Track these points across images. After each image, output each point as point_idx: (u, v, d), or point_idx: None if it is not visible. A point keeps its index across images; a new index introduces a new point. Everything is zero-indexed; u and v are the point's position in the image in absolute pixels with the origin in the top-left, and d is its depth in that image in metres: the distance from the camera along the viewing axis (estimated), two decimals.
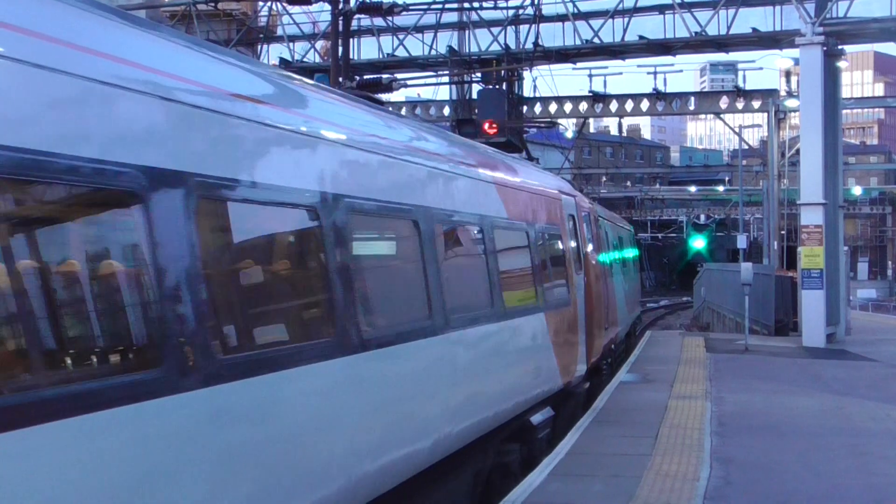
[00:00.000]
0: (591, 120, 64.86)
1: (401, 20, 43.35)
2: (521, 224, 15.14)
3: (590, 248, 20.98)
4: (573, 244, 18.73)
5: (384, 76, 33.71)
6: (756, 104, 50.16)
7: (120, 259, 6.09)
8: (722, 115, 54.72)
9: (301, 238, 8.50)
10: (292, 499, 7.52)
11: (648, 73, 51.74)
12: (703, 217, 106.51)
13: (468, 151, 14.06)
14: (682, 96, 52.58)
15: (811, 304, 31.68)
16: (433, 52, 45.24)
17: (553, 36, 43.47)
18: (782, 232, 56.28)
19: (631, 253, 39.57)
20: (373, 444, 8.96)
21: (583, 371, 18.58)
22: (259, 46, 48.57)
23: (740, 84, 53.32)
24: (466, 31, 45.58)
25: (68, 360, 5.51)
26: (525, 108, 48.24)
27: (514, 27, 44.49)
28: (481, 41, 45.12)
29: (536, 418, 15.24)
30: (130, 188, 5.91)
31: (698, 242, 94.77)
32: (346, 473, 8.40)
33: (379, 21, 42.35)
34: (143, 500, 5.77)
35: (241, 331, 7.25)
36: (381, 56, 45.79)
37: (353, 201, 8.88)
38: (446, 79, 42.93)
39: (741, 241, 50.97)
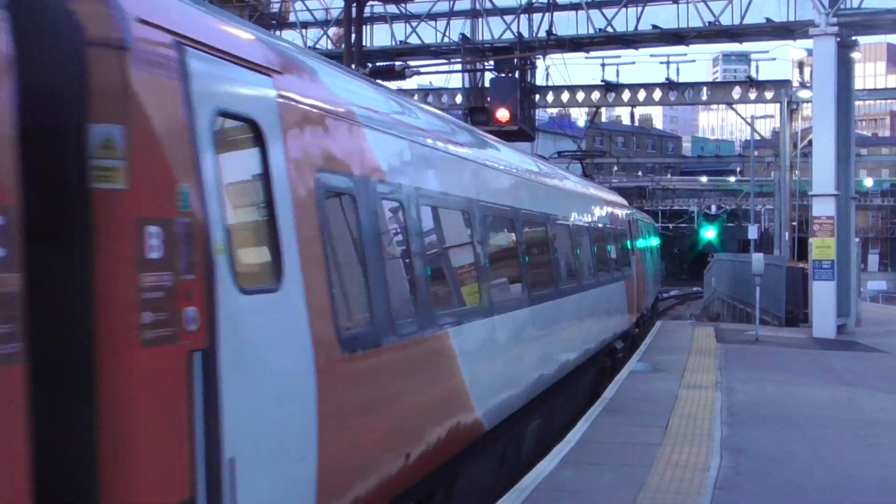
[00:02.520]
0: (603, 109, 64.81)
1: (414, 7, 43.41)
2: (617, 228, 26.60)
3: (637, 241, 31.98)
4: (633, 239, 30.31)
5: (397, 63, 33.67)
6: (769, 95, 50.07)
7: None
8: (734, 106, 54.65)
9: (538, 237, 16.11)
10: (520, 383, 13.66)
11: (661, 62, 51.70)
12: (714, 207, 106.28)
13: (598, 190, 26.96)
14: (695, 86, 52.46)
15: (822, 295, 31.65)
16: (446, 40, 45.22)
17: (566, 24, 43.43)
18: (794, 223, 56.26)
19: (655, 242, 47.55)
20: (551, 355, 16.14)
21: (634, 320, 29.05)
22: (272, 32, 48.60)
23: (753, 74, 53.24)
24: (479, 19, 45.56)
25: None
26: (538, 96, 48.17)
27: (527, 15, 44.46)
28: (494, 29, 45.11)
29: (618, 344, 25.28)
30: None
31: (709, 233, 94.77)
32: (551, 365, 15.96)
33: (392, 8, 42.40)
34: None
35: (533, 283, 14.89)
36: (393, 43, 45.78)
37: (558, 219, 17.92)
38: (459, 66, 42.85)
39: (752, 232, 50.87)
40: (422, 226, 10.09)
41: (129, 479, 5.23)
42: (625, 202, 32.47)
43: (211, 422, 5.72)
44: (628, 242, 28.77)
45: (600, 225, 23.20)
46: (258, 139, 6.66)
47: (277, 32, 48.63)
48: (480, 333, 11.68)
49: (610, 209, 26.00)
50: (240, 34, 6.99)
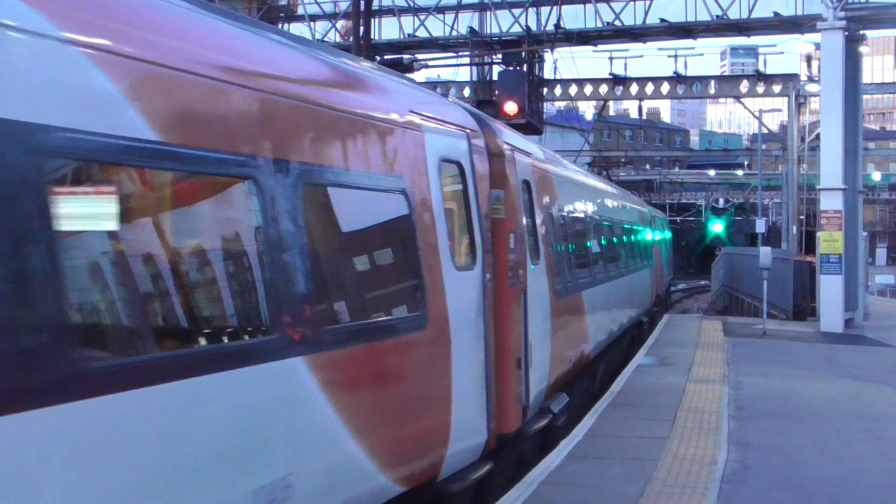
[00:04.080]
0: (610, 103, 64.77)
1: (422, 0, 43.41)
2: (644, 226, 34.46)
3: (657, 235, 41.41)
4: (653, 234, 38.64)
5: (405, 56, 33.67)
6: (776, 88, 50.09)
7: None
8: (742, 100, 54.61)
9: (615, 236, 25.01)
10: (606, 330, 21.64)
11: (669, 56, 51.66)
12: (721, 201, 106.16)
13: (632, 198, 35.85)
14: (703, 80, 52.52)
15: (829, 288, 31.65)
16: (454, 33, 45.25)
17: (574, 18, 43.49)
18: (801, 217, 56.22)
19: (668, 235, 55.32)
20: (617, 317, 23.56)
21: (653, 300, 36.09)
22: (280, 25, 48.61)
23: (761, 68, 53.25)
24: (487, 12, 45.58)
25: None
26: (546, 90, 48.17)
27: (535, 9, 44.44)
28: (502, 22, 45.11)
29: (644, 319, 31.84)
30: None
31: (717, 226, 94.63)
32: (616, 324, 23.51)
33: (400, 1, 42.44)
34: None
35: (612, 267, 23.55)
36: (401, 36, 45.84)
37: (622, 223, 27.33)
38: (467, 60, 42.86)
39: (760, 226, 50.91)
40: (566, 227, 17.34)
41: (506, 346, 11.51)
42: (643, 202, 42.52)
43: (524, 322, 12.49)
44: (651, 237, 37.51)
45: (636, 226, 32.18)
46: (529, 190, 13.89)
47: (285, 26, 48.75)
48: (592, 297, 19.28)
49: (639, 210, 35.34)
50: (535, 150, 15.47)
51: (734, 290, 51.24)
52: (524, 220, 13.02)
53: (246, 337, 6.74)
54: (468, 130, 11.21)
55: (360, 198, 8.48)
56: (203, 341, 6.37)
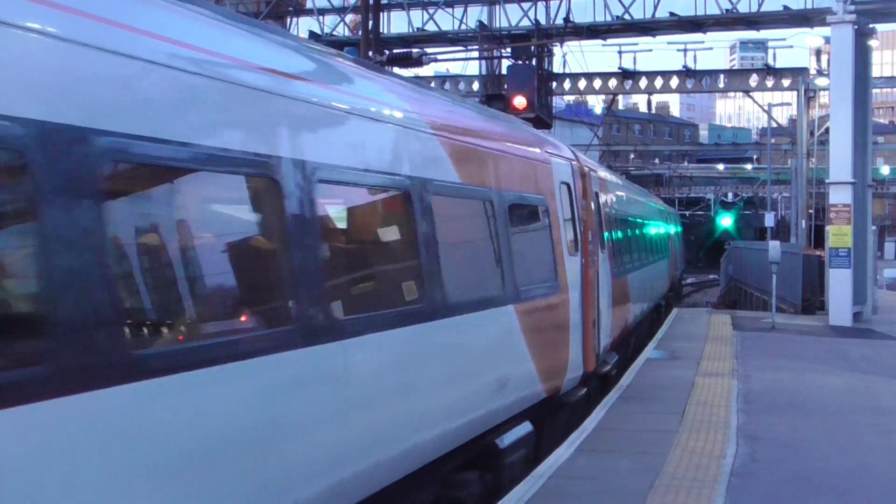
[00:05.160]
0: (619, 97, 64.73)
1: None
2: (661, 222, 39.36)
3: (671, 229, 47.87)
4: (668, 228, 43.83)
5: (414, 50, 33.74)
6: (786, 82, 50.02)
7: None
8: (751, 94, 54.55)
9: (648, 230, 32.20)
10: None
11: (678, 50, 51.72)
12: (730, 195, 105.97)
13: (655, 198, 46.28)
14: (712, 74, 52.46)
15: (838, 282, 31.63)
16: (463, 27, 45.26)
17: (584, 11, 43.57)
18: (810, 211, 56.18)
19: (679, 229, 60.57)
20: (650, 294, 30.05)
21: (669, 286, 41.34)
22: (288, 19, 48.64)
23: (770, 62, 53.10)
24: (496, 6, 45.58)
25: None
26: (555, 83, 48.20)
27: (544, 2, 44.53)
28: (511, 16, 45.15)
29: (661, 302, 36.27)
30: None
31: (726, 220, 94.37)
32: (650, 301, 30.19)
33: None
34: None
35: (647, 255, 30.34)
36: (410, 30, 45.89)
37: (650, 220, 34.04)
38: (476, 54, 42.88)
39: (769, 220, 50.94)
40: (617, 224, 22.35)
41: (589, 312, 15.76)
42: (660, 200, 49.92)
43: (597, 295, 16.92)
44: (668, 231, 43.97)
45: (659, 222, 38.70)
46: (597, 198, 18.62)
47: (295, 20, 48.80)
48: (633, 280, 24.21)
49: (659, 209, 41.62)
50: (598, 167, 21.95)
51: (743, 284, 51.23)
52: (596, 221, 18.07)
53: (499, 291, 11.65)
54: (571, 160, 16.31)
55: (532, 210, 13.81)
56: (487, 293, 11.32)
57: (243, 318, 6.83)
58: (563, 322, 14.53)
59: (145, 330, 5.94)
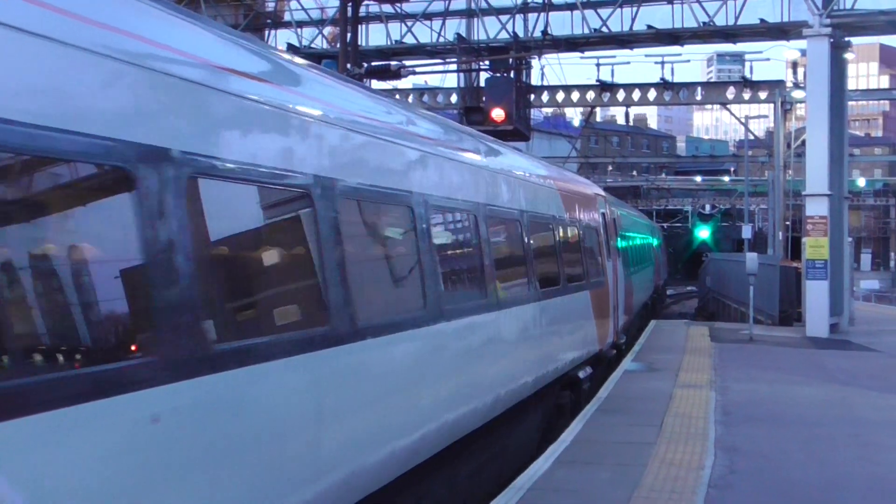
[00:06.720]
0: (597, 109, 64.84)
1: (409, 6, 43.43)
2: (647, 235, 46.27)
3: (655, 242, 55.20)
4: (653, 240, 50.60)
5: (392, 63, 33.76)
6: (763, 95, 50.15)
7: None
8: (728, 106, 54.69)
9: (639, 247, 40.08)
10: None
11: (656, 62, 51.63)
12: (708, 207, 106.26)
13: (641, 215, 56.57)
14: (690, 86, 52.51)
15: (815, 294, 31.77)
16: (441, 40, 45.26)
17: (561, 24, 43.50)
18: (787, 222, 56.33)
19: (661, 241, 65.46)
20: (643, 290, 38.90)
21: (653, 290, 47.06)
22: (267, 32, 48.57)
23: (747, 75, 53.18)
24: (475, 19, 45.61)
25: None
26: (533, 96, 48.25)
27: (522, 15, 44.50)
28: (490, 29, 45.14)
29: (648, 302, 42.77)
30: None
31: (703, 232, 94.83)
32: (644, 295, 39.29)
33: (387, 7, 42.42)
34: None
35: (636, 264, 36.60)
36: (389, 43, 45.80)
37: (642, 238, 42.72)
38: (454, 66, 42.91)
39: (746, 232, 51.04)
40: (623, 238, 28.56)
41: (614, 300, 23.06)
42: (644, 215, 61.57)
43: (616, 290, 23.67)
44: (653, 243, 50.92)
45: (646, 235, 45.49)
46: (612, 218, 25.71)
47: (273, 32, 48.74)
48: (634, 280, 30.67)
49: (647, 224, 51.15)
50: (607, 196, 26.85)
51: (721, 295, 51.39)
52: (614, 236, 24.74)
53: (581, 281, 18.57)
54: (601, 195, 23.53)
55: (596, 231, 21.18)
56: (571, 282, 17.61)
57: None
58: (607, 305, 21.55)
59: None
